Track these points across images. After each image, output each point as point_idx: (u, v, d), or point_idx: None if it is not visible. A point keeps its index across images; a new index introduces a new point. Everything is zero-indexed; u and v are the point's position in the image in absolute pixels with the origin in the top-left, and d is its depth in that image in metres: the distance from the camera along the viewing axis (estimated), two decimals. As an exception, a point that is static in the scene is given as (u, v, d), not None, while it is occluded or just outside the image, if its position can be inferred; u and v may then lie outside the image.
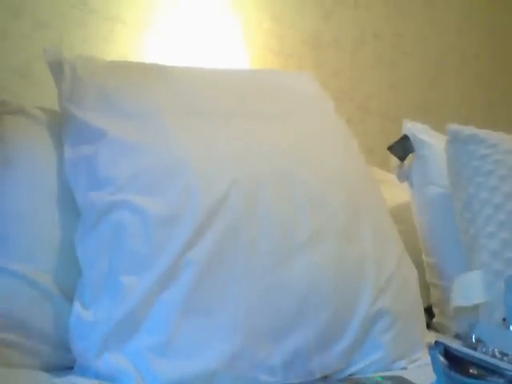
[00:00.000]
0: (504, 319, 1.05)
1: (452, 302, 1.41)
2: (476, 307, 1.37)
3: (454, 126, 1.48)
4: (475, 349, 0.92)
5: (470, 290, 1.38)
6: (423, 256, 1.56)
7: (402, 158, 1.59)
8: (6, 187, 1.19)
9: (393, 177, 1.64)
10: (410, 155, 1.59)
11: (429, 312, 1.49)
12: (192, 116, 1.23)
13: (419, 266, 1.44)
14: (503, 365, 0.86)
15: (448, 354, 0.89)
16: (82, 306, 1.10)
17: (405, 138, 1.58)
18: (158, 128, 1.19)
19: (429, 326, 1.42)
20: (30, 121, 1.28)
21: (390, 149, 1.60)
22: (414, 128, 1.60)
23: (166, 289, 1.07)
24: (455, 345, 0.92)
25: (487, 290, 1.35)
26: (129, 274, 1.07)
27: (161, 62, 1.39)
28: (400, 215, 1.52)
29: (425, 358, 1.17)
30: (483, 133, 1.47)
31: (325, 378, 1.15)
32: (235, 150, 1.20)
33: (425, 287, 1.49)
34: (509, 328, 1.02)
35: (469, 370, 0.87)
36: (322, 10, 2.01)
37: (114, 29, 1.70)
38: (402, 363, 1.23)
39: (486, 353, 0.91)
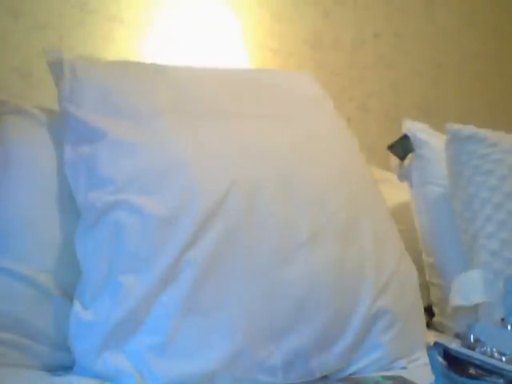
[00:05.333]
0: (503, 319, 1.05)
1: (451, 302, 1.41)
2: (476, 307, 1.37)
3: (453, 126, 1.48)
4: (474, 349, 0.92)
5: (469, 289, 1.38)
6: (423, 256, 1.56)
7: (402, 158, 1.59)
8: (6, 187, 1.19)
9: (393, 176, 1.64)
10: (410, 155, 1.58)
11: (429, 311, 1.50)
12: (191, 116, 1.23)
13: (419, 265, 1.44)
14: (502, 365, 0.86)
15: (447, 354, 0.89)
16: (82, 306, 1.10)
17: (405, 137, 1.58)
18: (157, 128, 1.19)
19: (429, 326, 1.42)
20: (29, 121, 1.29)
21: (390, 148, 1.60)
22: (414, 127, 1.60)
23: (166, 289, 1.07)
24: (454, 345, 0.92)
25: (487, 289, 1.36)
26: (128, 274, 1.08)
27: (160, 62, 1.39)
28: (400, 215, 1.52)
29: (424, 357, 1.16)
30: (483, 132, 1.46)
31: (325, 377, 1.15)
32: (235, 150, 1.20)
33: (425, 287, 1.50)
34: (507, 328, 1.02)
35: (468, 371, 0.87)
36: (322, 10, 2.01)
37: (114, 29, 1.70)
38: (402, 363, 1.23)
39: (484, 353, 0.91)
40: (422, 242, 1.56)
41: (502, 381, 0.84)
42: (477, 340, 0.93)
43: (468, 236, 1.42)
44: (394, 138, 1.60)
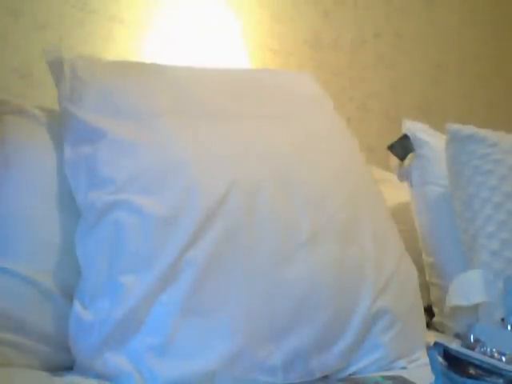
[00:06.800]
0: (503, 319, 1.05)
1: (448, 302, 1.41)
2: (476, 307, 1.37)
3: (453, 126, 1.48)
4: (474, 349, 0.92)
5: (469, 289, 1.38)
6: (423, 256, 1.56)
7: (402, 158, 1.59)
8: (6, 187, 1.19)
9: (393, 176, 1.64)
10: (410, 155, 1.58)
11: (429, 311, 1.50)
12: (191, 116, 1.23)
13: (419, 265, 1.44)
14: (502, 365, 0.86)
15: (447, 354, 0.89)
16: (82, 305, 1.10)
17: (405, 137, 1.58)
18: (157, 128, 1.19)
19: (429, 326, 1.42)
20: (30, 121, 1.28)
21: (390, 148, 1.60)
22: (414, 127, 1.60)
23: (166, 289, 1.07)
24: (454, 345, 0.92)
25: (487, 289, 1.35)
26: (128, 274, 1.08)
27: (160, 62, 1.39)
28: (400, 215, 1.52)
29: (424, 357, 1.16)
30: (483, 132, 1.46)
31: (325, 377, 1.15)
32: (235, 150, 1.20)
33: (425, 287, 1.50)
34: (507, 328, 1.02)
35: (468, 371, 0.87)
36: (322, 10, 2.01)
37: (114, 29, 1.70)
38: (402, 363, 1.23)
39: (484, 353, 0.91)
40: (422, 242, 1.56)
41: (501, 381, 0.84)
42: (477, 340, 0.93)
43: (468, 236, 1.42)
44: (394, 138, 1.60)
